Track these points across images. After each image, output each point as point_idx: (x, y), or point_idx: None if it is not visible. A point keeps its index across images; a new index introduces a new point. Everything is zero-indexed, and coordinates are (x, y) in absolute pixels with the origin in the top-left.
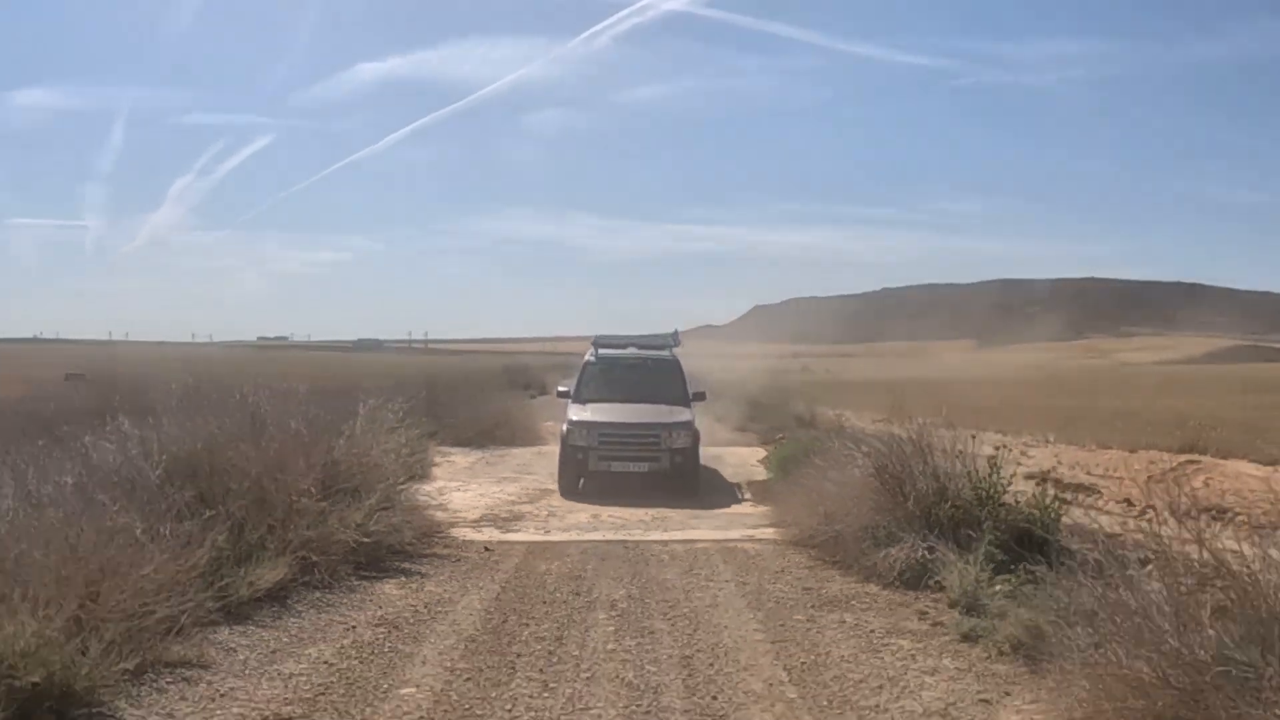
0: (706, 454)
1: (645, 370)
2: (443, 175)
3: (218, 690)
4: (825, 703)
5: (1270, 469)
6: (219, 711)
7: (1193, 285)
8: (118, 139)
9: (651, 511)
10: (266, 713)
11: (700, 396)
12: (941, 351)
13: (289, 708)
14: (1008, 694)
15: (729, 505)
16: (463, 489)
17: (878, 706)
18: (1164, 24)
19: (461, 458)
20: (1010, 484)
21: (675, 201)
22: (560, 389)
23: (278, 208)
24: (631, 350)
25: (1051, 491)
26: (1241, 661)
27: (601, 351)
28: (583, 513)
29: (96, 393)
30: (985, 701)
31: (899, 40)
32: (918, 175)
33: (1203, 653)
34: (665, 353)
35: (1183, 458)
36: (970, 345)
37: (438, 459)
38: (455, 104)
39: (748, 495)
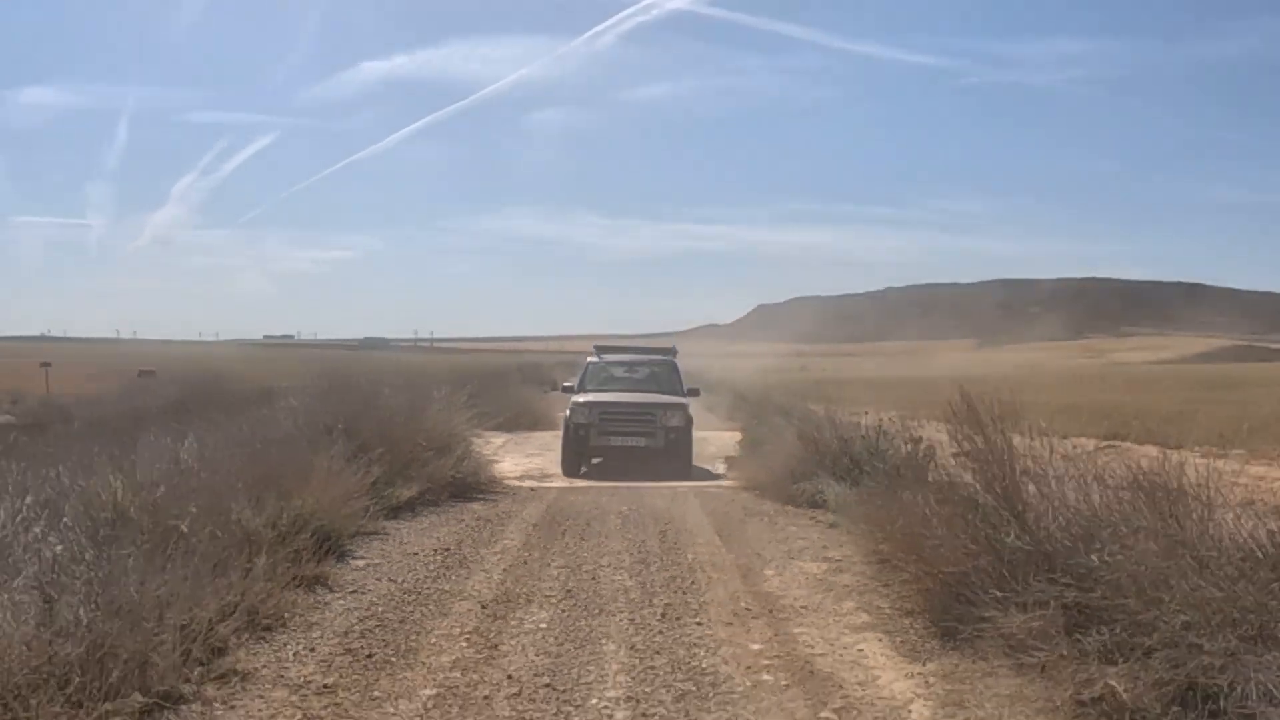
0: (695, 436)
1: (643, 367)
2: (446, 174)
3: (399, 541)
4: (736, 545)
5: (1171, 450)
6: (406, 548)
7: (1193, 285)
8: (122, 137)
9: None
10: (436, 547)
11: (694, 393)
12: (942, 351)
13: (445, 545)
14: (840, 545)
15: (708, 475)
16: (501, 460)
17: (764, 547)
18: (1166, 24)
19: (494, 438)
20: (892, 444)
21: (679, 201)
22: (565, 384)
23: (281, 206)
24: (631, 354)
25: (922, 448)
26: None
27: (604, 356)
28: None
29: (179, 386)
30: (825, 546)
31: (903, 40)
32: (921, 175)
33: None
34: (662, 355)
35: (1104, 443)
36: (972, 345)
37: (475, 439)
38: (459, 102)
39: (721, 466)
